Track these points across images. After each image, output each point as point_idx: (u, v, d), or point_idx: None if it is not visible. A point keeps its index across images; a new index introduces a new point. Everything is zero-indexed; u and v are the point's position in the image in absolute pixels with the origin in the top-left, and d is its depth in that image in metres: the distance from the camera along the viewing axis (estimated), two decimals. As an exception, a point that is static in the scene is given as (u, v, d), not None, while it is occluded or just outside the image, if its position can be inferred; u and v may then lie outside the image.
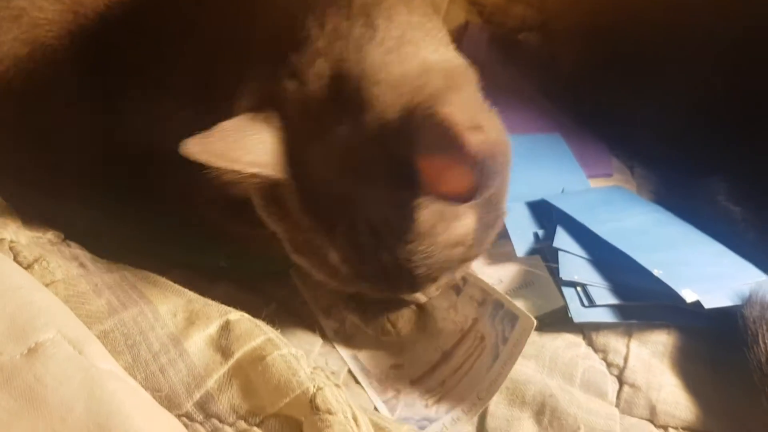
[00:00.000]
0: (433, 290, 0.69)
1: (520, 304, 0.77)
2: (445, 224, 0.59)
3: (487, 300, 0.71)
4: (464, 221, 0.60)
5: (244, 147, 0.55)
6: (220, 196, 0.74)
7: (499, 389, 0.68)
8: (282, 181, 0.57)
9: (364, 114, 0.56)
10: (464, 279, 0.71)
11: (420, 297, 0.69)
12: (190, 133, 0.54)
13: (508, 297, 0.69)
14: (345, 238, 0.58)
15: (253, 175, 0.55)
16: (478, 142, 0.49)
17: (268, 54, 0.60)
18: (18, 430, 0.43)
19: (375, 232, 0.58)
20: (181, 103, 0.70)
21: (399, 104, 0.55)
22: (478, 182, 0.51)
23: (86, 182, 0.74)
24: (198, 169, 0.60)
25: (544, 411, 0.69)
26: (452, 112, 0.51)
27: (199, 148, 0.52)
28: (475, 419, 0.68)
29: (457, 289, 0.72)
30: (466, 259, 0.64)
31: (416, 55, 0.59)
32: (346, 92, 0.56)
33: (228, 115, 0.57)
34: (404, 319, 0.73)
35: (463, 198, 0.53)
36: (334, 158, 0.57)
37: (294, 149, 0.57)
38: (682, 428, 0.70)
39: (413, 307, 0.73)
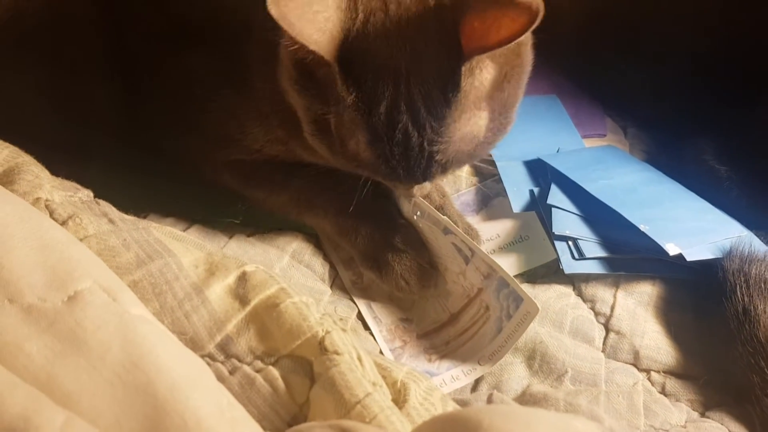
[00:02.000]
0: (434, 180, 0.70)
1: (515, 258, 0.82)
2: (469, 113, 0.62)
3: (492, 275, 0.73)
4: (482, 117, 0.64)
5: (313, 22, 0.57)
6: (236, 162, 0.78)
7: (500, 360, 0.72)
8: (332, 63, 0.59)
9: None
10: (472, 251, 0.74)
11: (417, 191, 0.70)
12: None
13: (515, 280, 0.72)
14: (384, 115, 0.60)
15: (312, 52, 0.57)
16: None
17: None
18: (62, 367, 0.48)
19: (415, 109, 0.60)
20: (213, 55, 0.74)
21: None
22: (533, 17, 0.55)
23: (112, 144, 0.78)
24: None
25: (534, 356, 0.74)
26: None
27: (282, 11, 0.54)
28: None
29: (465, 258, 0.75)
30: (474, 156, 0.67)
31: None
32: None
33: None
34: (416, 276, 0.76)
35: (519, 33, 0.56)
36: (393, 31, 0.60)
37: (353, 24, 0.59)
38: (663, 371, 0.75)
39: (425, 263, 0.77)
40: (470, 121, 0.63)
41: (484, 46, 0.58)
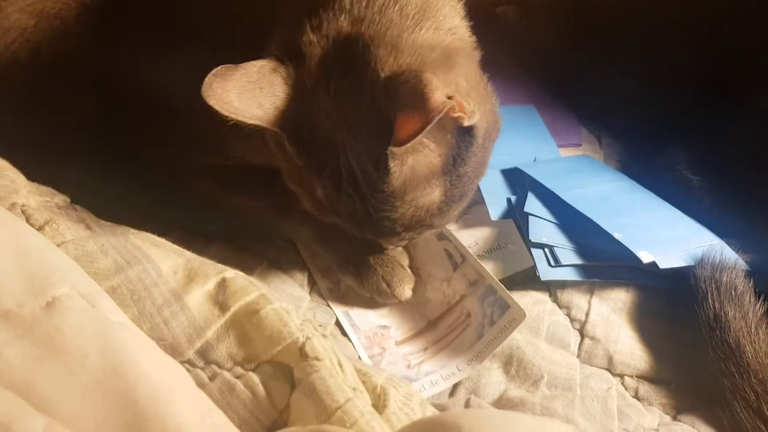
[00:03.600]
0: (395, 242, 0.74)
1: (492, 265, 0.82)
2: (414, 189, 0.64)
3: (480, 282, 0.74)
4: (432, 191, 0.65)
5: (255, 100, 0.61)
6: (214, 167, 0.78)
7: (479, 365, 0.73)
8: (279, 133, 0.63)
9: (365, 72, 0.62)
10: (463, 257, 0.75)
11: (385, 244, 0.75)
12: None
13: (503, 287, 0.73)
14: (329, 179, 0.64)
15: (255, 126, 0.61)
16: (441, 101, 0.55)
17: (300, 5, 0.65)
18: (41, 373, 0.47)
19: (353, 180, 0.63)
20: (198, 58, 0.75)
21: (396, 66, 0.61)
22: (423, 127, 0.56)
23: (90, 149, 0.78)
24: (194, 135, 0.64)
25: (511, 362, 0.75)
26: (432, 78, 0.57)
27: (216, 93, 0.58)
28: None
29: (454, 265, 0.76)
30: (429, 225, 0.69)
31: (430, 27, 0.64)
32: (357, 50, 0.62)
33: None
34: (398, 279, 0.77)
35: (404, 139, 0.57)
36: (332, 109, 0.63)
37: (299, 99, 0.63)
38: (637, 376, 0.76)
39: (408, 270, 0.78)
40: (419, 195, 0.65)
41: (405, 138, 0.58)
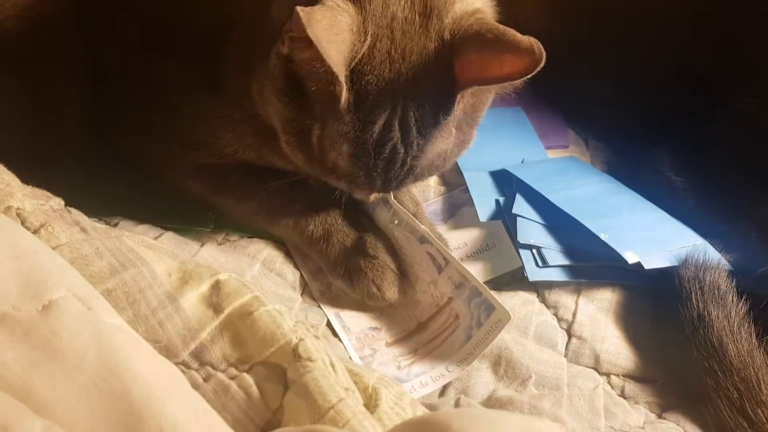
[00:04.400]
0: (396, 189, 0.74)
1: (481, 265, 0.84)
2: (445, 134, 0.67)
3: (465, 285, 0.75)
4: (450, 136, 0.68)
5: (333, 42, 0.59)
6: (206, 167, 0.79)
7: (468, 366, 0.74)
8: (340, 83, 0.61)
9: (430, 17, 0.64)
10: (446, 260, 0.76)
11: (386, 197, 0.77)
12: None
13: (488, 289, 0.74)
14: (377, 133, 0.64)
15: (329, 70, 0.59)
16: (536, 45, 0.59)
17: None
18: (38, 375, 0.48)
19: (407, 129, 0.65)
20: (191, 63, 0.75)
21: (462, 12, 0.64)
22: (535, 63, 0.60)
23: (83, 152, 0.78)
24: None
25: (500, 362, 0.76)
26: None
27: (313, 28, 0.56)
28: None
29: (439, 268, 0.77)
30: (440, 168, 0.72)
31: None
32: (429, 9, 0.64)
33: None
34: (388, 282, 0.77)
35: (518, 75, 0.61)
36: (397, 58, 0.63)
37: (364, 48, 0.62)
38: (623, 375, 0.78)
39: (396, 271, 0.78)
40: (445, 140, 0.68)
41: (478, 80, 0.63)
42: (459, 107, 0.66)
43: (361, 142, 0.65)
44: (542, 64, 0.60)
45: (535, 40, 0.59)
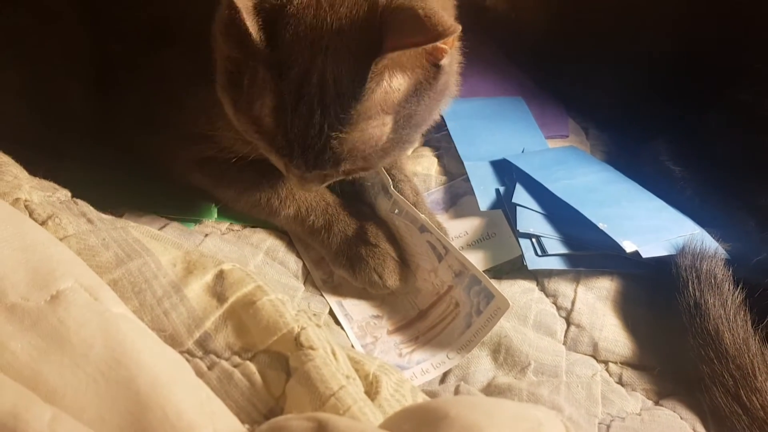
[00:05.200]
0: (323, 178, 0.70)
1: (482, 254, 0.84)
2: (371, 117, 0.63)
3: (464, 273, 0.76)
4: (384, 124, 0.65)
5: None
6: (207, 160, 0.80)
7: (468, 353, 0.75)
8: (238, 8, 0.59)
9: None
10: (446, 249, 0.77)
11: (309, 180, 0.70)
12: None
13: (487, 277, 0.75)
14: (294, 82, 0.61)
15: None
16: (450, 24, 0.57)
17: None
18: (47, 364, 0.49)
19: (325, 87, 0.61)
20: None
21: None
22: (423, 42, 0.59)
23: (87, 143, 0.79)
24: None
25: (500, 350, 0.77)
26: (435, 7, 0.59)
27: None
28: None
29: (438, 256, 0.77)
30: (367, 160, 0.67)
31: None
32: None
33: None
34: (389, 270, 0.78)
35: (396, 47, 0.59)
36: (325, 6, 0.61)
37: None
38: (620, 363, 0.79)
39: (398, 259, 0.79)
40: (373, 124, 0.64)
41: (395, 46, 0.59)
42: (386, 86, 0.62)
43: (279, 93, 0.62)
44: (448, 42, 0.60)
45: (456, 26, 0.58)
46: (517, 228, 0.84)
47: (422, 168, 0.95)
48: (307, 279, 0.81)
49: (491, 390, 0.74)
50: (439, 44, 0.60)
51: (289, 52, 0.61)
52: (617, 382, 0.77)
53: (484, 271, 0.81)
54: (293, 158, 0.65)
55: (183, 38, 0.77)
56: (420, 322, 0.79)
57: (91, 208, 0.67)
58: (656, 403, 0.76)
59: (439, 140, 0.99)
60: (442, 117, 0.96)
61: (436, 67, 0.64)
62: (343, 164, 0.66)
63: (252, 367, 0.58)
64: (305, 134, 0.63)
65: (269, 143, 0.66)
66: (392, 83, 0.63)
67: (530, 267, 0.82)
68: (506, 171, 0.92)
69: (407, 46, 0.59)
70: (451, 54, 0.66)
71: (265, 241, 0.82)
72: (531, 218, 0.86)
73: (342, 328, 0.78)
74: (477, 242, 0.86)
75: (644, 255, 0.80)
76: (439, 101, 0.69)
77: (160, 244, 0.65)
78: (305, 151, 0.64)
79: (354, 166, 0.67)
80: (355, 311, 0.79)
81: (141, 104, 0.80)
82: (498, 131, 0.98)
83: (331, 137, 0.63)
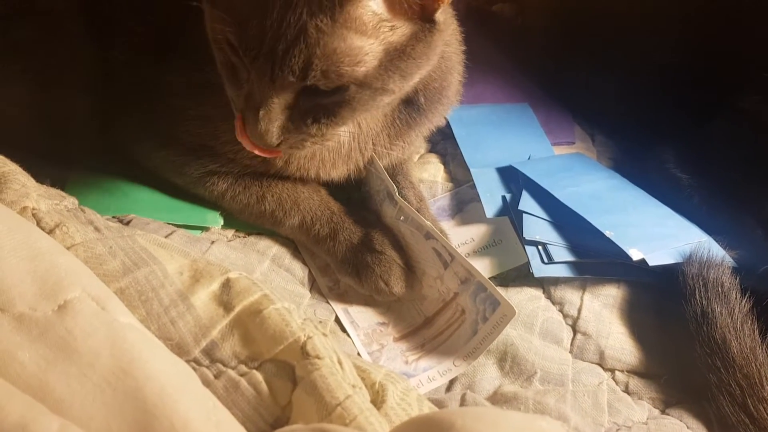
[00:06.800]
0: (281, 108, 0.63)
1: (488, 261, 0.84)
2: (355, 31, 0.59)
3: (470, 280, 0.76)
4: (368, 48, 0.61)
5: None
6: (211, 174, 0.80)
7: (475, 361, 0.75)
8: None
9: None
10: (451, 256, 0.77)
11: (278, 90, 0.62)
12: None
13: (493, 284, 0.74)
14: None
15: None
16: None
17: None
18: (54, 374, 0.49)
19: None
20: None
21: None
22: None
23: (93, 152, 0.79)
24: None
25: (506, 358, 0.77)
26: None
27: None
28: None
29: (444, 263, 0.77)
30: (342, 77, 0.61)
31: None
32: None
33: None
34: (395, 277, 0.78)
35: None
36: None
37: None
38: (627, 371, 0.79)
39: (404, 266, 0.79)
40: (357, 38, 0.60)
41: None
42: (374, 6, 0.60)
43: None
44: None
45: None
46: (524, 235, 0.84)
47: (428, 175, 0.95)
48: (314, 286, 0.81)
49: (497, 398, 0.74)
50: None
51: None
52: (624, 391, 0.77)
53: (490, 278, 0.81)
54: (258, 57, 0.60)
55: (186, 50, 0.77)
56: (426, 330, 0.79)
57: (99, 215, 0.68)
58: (663, 411, 0.76)
59: (446, 147, 0.99)
60: (448, 123, 0.97)
61: (431, 22, 0.64)
62: (314, 67, 0.59)
63: (258, 376, 0.58)
64: (282, 19, 0.58)
65: (238, 38, 0.60)
66: (385, 15, 0.61)
67: (536, 274, 0.82)
68: (512, 178, 0.92)
69: None
70: (445, 10, 0.66)
71: (271, 248, 0.82)
72: (537, 225, 0.85)
73: (348, 335, 0.78)
74: (483, 249, 0.86)
75: (651, 263, 0.80)
76: (430, 60, 0.67)
77: (167, 252, 0.65)
78: (275, 45, 0.58)
79: (326, 79, 0.61)
80: (361, 318, 0.79)
81: (145, 116, 0.80)
82: (504, 138, 0.98)
83: (309, 25, 0.58)
